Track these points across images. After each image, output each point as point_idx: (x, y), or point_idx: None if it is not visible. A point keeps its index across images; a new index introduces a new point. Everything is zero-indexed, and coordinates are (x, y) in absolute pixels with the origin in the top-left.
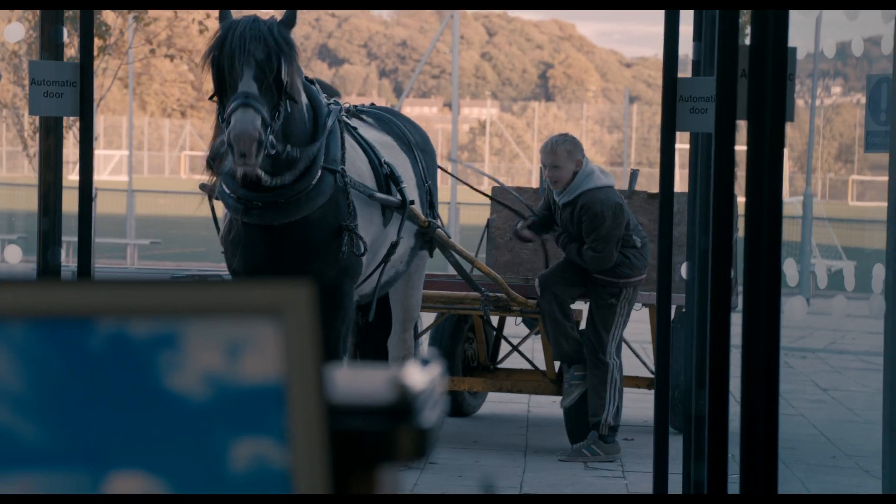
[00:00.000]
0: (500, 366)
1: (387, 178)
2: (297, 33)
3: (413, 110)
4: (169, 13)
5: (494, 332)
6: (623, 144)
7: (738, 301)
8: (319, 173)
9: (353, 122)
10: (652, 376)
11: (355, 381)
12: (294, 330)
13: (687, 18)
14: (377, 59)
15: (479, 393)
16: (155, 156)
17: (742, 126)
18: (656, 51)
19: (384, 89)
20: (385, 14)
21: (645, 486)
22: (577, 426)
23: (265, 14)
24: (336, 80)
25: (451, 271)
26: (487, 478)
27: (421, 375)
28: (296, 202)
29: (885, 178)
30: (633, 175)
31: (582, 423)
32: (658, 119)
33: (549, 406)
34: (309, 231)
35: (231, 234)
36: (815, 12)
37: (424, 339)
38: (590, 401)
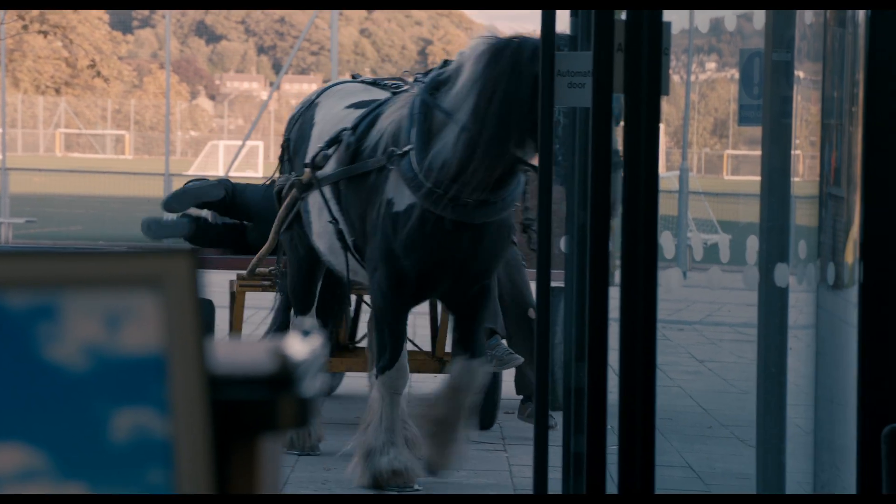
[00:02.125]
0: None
1: None
2: (174, 10)
3: (292, 87)
4: None
5: (353, 312)
6: None
7: (616, 275)
8: None
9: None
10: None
11: (236, 351)
12: (175, 300)
13: None
14: (255, 36)
15: (337, 373)
16: (29, 133)
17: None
18: (535, 26)
19: (263, 66)
20: None
21: (525, 457)
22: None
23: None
24: (214, 56)
25: None
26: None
27: (301, 346)
28: (502, 199)
29: (759, 153)
30: None
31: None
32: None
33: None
34: (501, 229)
35: (412, 230)
36: None
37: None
38: (527, 372)
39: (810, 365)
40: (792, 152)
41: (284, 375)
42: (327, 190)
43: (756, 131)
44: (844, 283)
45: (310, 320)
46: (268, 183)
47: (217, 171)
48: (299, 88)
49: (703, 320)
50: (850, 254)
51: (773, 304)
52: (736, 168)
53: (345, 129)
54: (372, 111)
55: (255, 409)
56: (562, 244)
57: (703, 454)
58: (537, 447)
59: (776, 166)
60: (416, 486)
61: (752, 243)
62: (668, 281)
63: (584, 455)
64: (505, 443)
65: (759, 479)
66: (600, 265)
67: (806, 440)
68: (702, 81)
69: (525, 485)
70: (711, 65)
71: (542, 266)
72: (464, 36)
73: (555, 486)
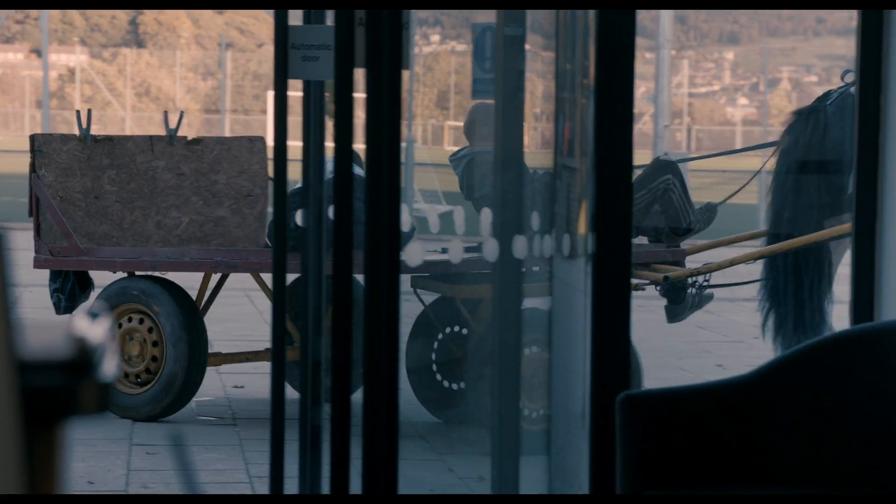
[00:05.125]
0: None
1: None
2: None
3: None
4: None
5: None
6: (219, 91)
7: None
8: None
9: None
10: None
11: (34, 335)
12: None
13: None
14: None
15: None
16: None
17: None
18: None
19: None
20: None
21: (262, 433)
22: None
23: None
24: None
25: None
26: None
27: (95, 329)
28: None
29: None
30: (179, 117)
31: None
32: (252, 66)
33: None
34: None
35: None
36: None
37: None
38: None
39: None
40: (526, 125)
41: (83, 360)
42: None
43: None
44: (578, 254)
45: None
46: None
47: None
48: (3, 57)
49: None
50: (583, 224)
51: (509, 275)
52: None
53: None
54: None
55: (57, 395)
56: (298, 217)
57: (437, 424)
58: (274, 422)
59: (510, 139)
60: None
61: (486, 215)
62: (412, 253)
63: (322, 428)
64: (234, 416)
65: (494, 446)
66: (343, 239)
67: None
68: (426, 54)
69: (257, 459)
70: (435, 37)
71: (278, 249)
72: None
73: (291, 460)
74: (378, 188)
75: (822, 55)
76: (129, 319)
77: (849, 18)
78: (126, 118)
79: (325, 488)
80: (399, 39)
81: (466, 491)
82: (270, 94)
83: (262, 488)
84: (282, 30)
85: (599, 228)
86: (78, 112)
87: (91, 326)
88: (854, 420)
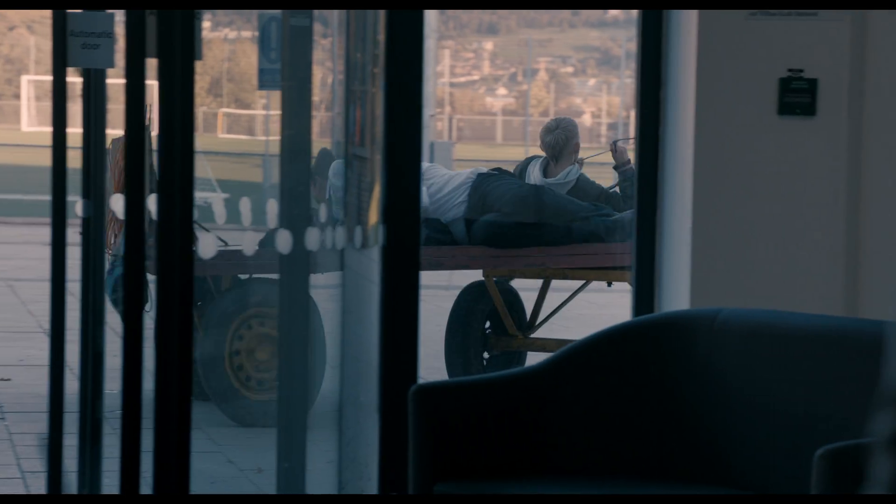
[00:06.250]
0: None
1: None
2: None
3: None
4: None
5: None
6: None
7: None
8: None
9: None
10: None
11: None
12: None
13: None
14: None
15: None
16: None
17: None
18: None
19: None
20: None
21: (34, 427)
22: None
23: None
24: None
25: None
26: None
27: None
28: None
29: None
30: None
31: None
32: (4, 50)
33: None
34: None
35: None
36: None
37: None
38: None
39: (338, 325)
40: (315, 114)
41: None
42: None
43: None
44: (370, 244)
45: None
46: None
47: None
48: None
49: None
50: (374, 214)
51: (298, 266)
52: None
53: None
54: None
55: None
56: (77, 208)
57: (215, 414)
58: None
59: (298, 129)
60: None
61: (273, 206)
62: (206, 244)
63: (102, 421)
64: (2, 411)
65: (280, 436)
66: (135, 226)
67: (332, 399)
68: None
69: (30, 453)
70: (206, 24)
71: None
72: None
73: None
74: (170, 180)
75: (577, 46)
76: None
77: (602, 12)
78: None
79: (108, 483)
80: (191, 29)
81: (247, 483)
82: (24, 79)
83: (38, 484)
84: (60, 17)
85: (389, 219)
86: None
87: None
88: (636, 410)
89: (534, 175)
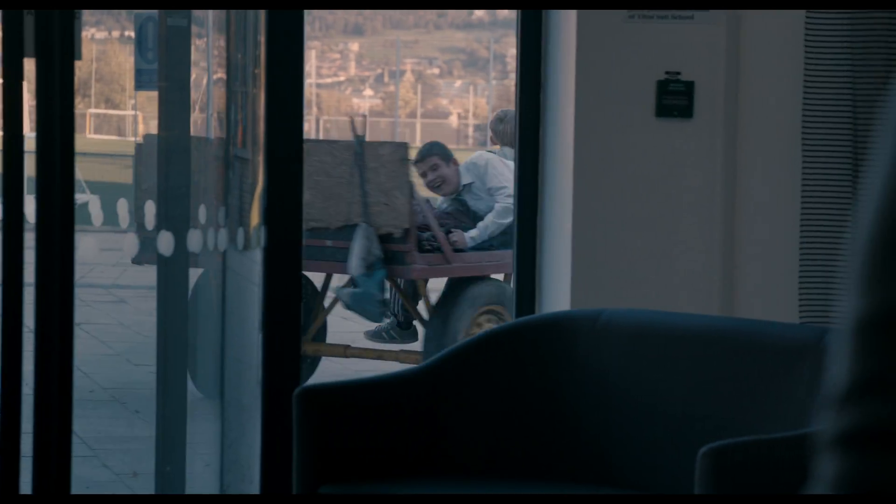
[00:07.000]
0: None
1: None
2: None
3: None
4: None
5: None
6: None
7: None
8: None
9: None
10: None
11: None
12: None
13: None
14: None
15: None
16: None
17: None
18: None
19: None
20: None
21: None
22: None
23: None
24: None
25: None
26: None
27: None
28: None
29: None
30: None
31: None
32: None
33: None
34: None
35: None
36: None
37: None
38: None
39: (218, 328)
40: (193, 115)
41: None
42: None
43: (116, 93)
44: (252, 245)
45: None
46: None
47: None
48: None
49: (79, 282)
50: (256, 215)
51: (177, 268)
52: (98, 126)
53: None
54: None
55: None
56: None
57: (93, 420)
58: None
59: (179, 131)
60: None
61: (151, 208)
62: (86, 246)
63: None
64: None
65: (158, 440)
66: (14, 223)
67: (214, 402)
68: None
69: None
70: None
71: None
72: None
73: None
74: (50, 180)
75: (443, 48)
76: None
77: (468, 13)
78: None
79: None
80: (71, 29)
81: (123, 487)
82: None
83: None
84: None
85: (270, 221)
86: None
87: None
88: (520, 410)
89: (509, 167)
